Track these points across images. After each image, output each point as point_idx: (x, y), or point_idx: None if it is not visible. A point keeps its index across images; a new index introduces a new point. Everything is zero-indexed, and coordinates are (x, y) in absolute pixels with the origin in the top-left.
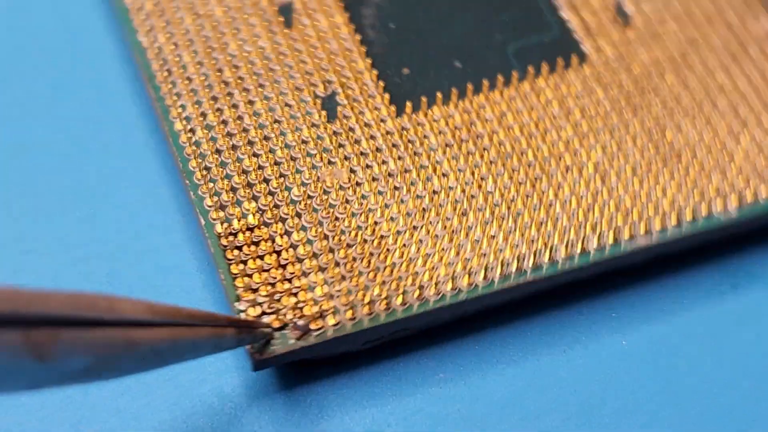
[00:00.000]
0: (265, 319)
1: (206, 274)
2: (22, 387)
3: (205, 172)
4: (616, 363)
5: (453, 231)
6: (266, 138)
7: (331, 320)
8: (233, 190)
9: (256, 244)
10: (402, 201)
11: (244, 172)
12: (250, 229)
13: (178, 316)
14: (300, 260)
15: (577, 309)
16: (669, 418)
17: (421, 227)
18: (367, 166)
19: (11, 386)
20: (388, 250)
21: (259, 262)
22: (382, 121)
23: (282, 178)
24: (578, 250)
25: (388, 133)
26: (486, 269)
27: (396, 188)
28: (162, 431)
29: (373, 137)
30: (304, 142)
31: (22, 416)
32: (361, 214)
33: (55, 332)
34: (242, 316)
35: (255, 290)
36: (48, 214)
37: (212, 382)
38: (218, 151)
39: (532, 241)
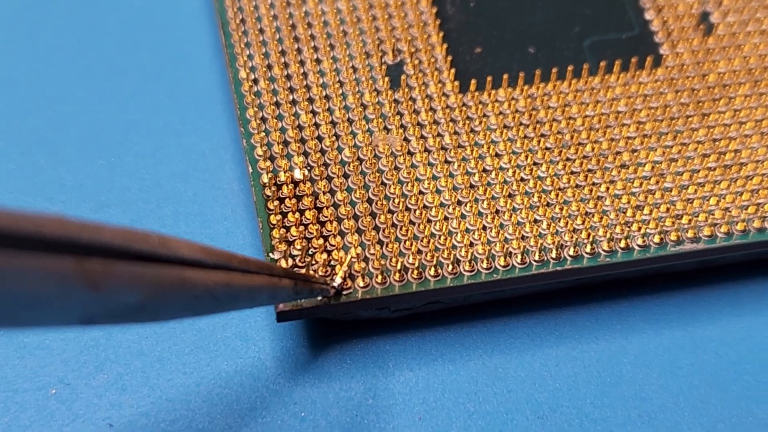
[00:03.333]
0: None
1: (250, 222)
2: (74, 320)
3: (260, 122)
4: (639, 365)
5: (497, 211)
6: (327, 97)
7: (360, 282)
8: (285, 143)
9: (299, 198)
10: (451, 175)
11: (300, 127)
12: (295, 183)
13: (233, 261)
14: (339, 220)
15: (613, 307)
16: None
17: (466, 203)
18: (422, 137)
19: (63, 319)
20: (429, 220)
21: (298, 216)
22: (445, 95)
23: (335, 138)
24: (621, 246)
25: (448, 107)
26: (524, 253)
27: (447, 162)
28: (185, 373)
29: (433, 110)
30: (363, 105)
31: (46, 359)
32: (408, 183)
33: (108, 263)
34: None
35: (290, 243)
36: (87, 155)
37: (235, 326)
38: (277, 104)
39: (576, 231)
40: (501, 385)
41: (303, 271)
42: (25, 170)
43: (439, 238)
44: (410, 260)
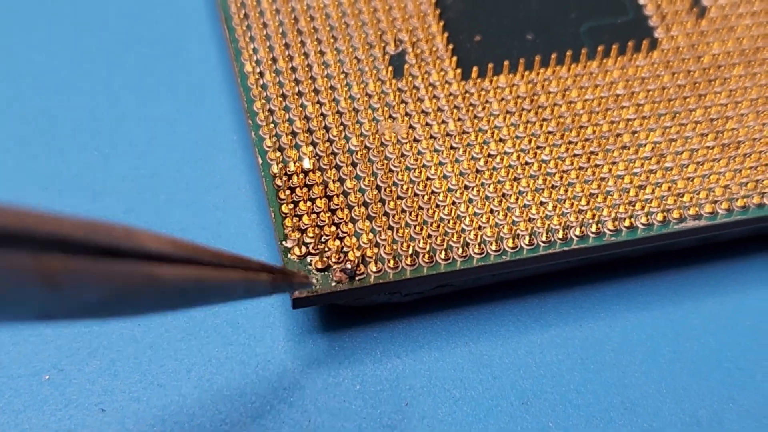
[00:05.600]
0: (309, 260)
1: (242, 212)
2: (31, 317)
3: (268, 114)
4: (622, 352)
5: (504, 194)
6: (332, 88)
7: (373, 267)
8: (293, 134)
9: (309, 187)
10: (457, 160)
11: (307, 118)
12: (305, 173)
13: (205, 255)
14: (350, 207)
15: (597, 296)
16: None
17: (473, 187)
18: (427, 124)
19: (20, 315)
20: (437, 205)
21: (309, 204)
22: (447, 83)
23: (342, 128)
24: (626, 225)
25: (451, 95)
26: (532, 234)
27: (452, 148)
28: (177, 359)
29: (436, 97)
30: (368, 95)
31: (40, 345)
32: (415, 169)
33: (68, 259)
34: (289, 255)
35: (303, 231)
36: (82, 145)
37: (226, 314)
38: (284, 96)
39: (581, 212)
40: (486, 371)
41: (317, 258)
42: (20, 159)
43: (448, 222)
44: (421, 245)
